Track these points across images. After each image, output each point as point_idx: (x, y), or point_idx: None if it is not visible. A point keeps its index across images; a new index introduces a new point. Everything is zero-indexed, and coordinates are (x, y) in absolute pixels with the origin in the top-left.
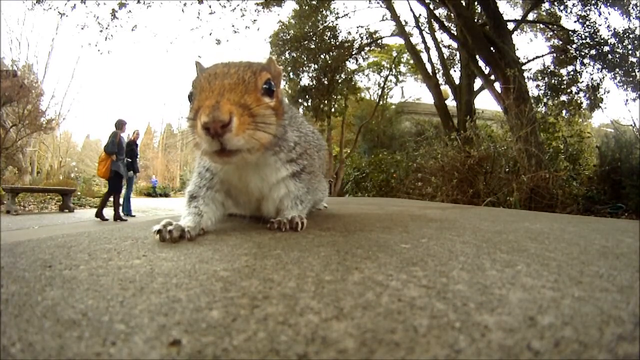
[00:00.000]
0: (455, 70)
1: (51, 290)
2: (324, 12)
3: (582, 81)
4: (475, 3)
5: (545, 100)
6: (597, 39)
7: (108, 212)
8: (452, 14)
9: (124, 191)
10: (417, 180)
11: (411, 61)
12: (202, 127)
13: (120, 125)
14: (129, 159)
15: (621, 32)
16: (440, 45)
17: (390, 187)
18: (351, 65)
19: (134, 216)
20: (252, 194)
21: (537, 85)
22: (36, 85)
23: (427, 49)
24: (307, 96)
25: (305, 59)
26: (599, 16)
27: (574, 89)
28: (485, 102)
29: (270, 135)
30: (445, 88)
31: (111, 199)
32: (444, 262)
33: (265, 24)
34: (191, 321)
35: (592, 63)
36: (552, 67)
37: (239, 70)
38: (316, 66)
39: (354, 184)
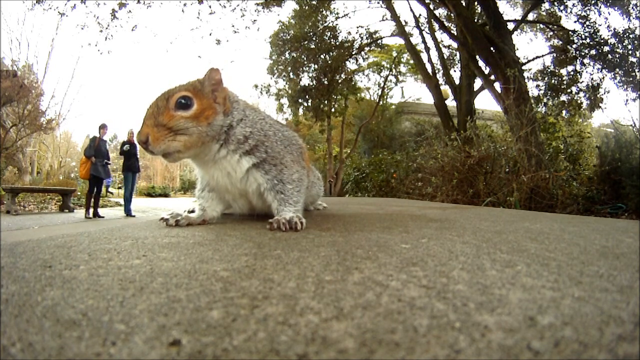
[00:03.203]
0: (455, 71)
1: (51, 290)
2: (324, 12)
3: (582, 81)
4: (475, 3)
5: (545, 100)
6: (597, 39)
7: (105, 211)
8: (452, 14)
9: (122, 191)
10: (417, 180)
11: (411, 61)
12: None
13: (99, 129)
14: (125, 160)
15: (621, 32)
16: (440, 45)
17: (390, 187)
18: (351, 65)
19: (133, 216)
20: (231, 191)
21: (537, 85)
22: (36, 85)
23: (427, 49)
24: (307, 96)
25: (305, 59)
26: (599, 16)
27: (574, 89)
28: (485, 102)
29: (190, 135)
30: (445, 88)
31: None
32: (444, 262)
33: (265, 24)
34: (191, 321)
35: (592, 63)
36: (552, 67)
37: (157, 100)
38: (316, 66)
39: (354, 184)
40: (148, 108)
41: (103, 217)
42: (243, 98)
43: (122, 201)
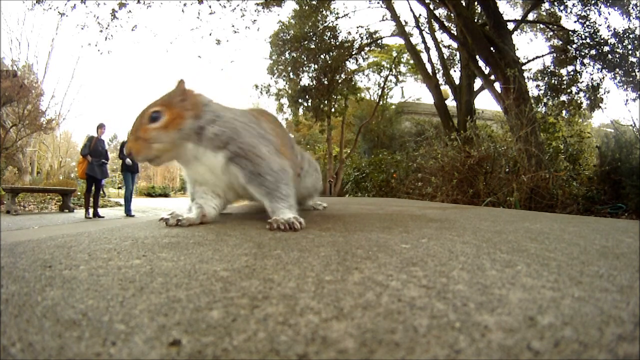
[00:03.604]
0: (455, 71)
1: (51, 290)
2: (324, 12)
3: (582, 81)
4: (475, 3)
5: (545, 100)
6: (597, 39)
7: (105, 211)
8: (452, 14)
9: (122, 191)
10: (417, 180)
11: (411, 61)
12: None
13: (97, 129)
14: (126, 161)
15: (621, 32)
16: (440, 45)
17: (390, 187)
18: (351, 65)
19: (133, 216)
20: (218, 184)
21: (537, 85)
22: (36, 85)
23: (427, 49)
24: (307, 96)
25: (305, 59)
26: (599, 16)
27: (574, 89)
28: (485, 102)
29: (162, 142)
30: (445, 88)
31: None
32: (444, 262)
33: (265, 24)
34: (191, 321)
35: (592, 63)
36: (552, 67)
37: (137, 117)
38: (316, 66)
39: (354, 184)
40: (132, 126)
41: (103, 217)
42: (218, 100)
43: (122, 201)
